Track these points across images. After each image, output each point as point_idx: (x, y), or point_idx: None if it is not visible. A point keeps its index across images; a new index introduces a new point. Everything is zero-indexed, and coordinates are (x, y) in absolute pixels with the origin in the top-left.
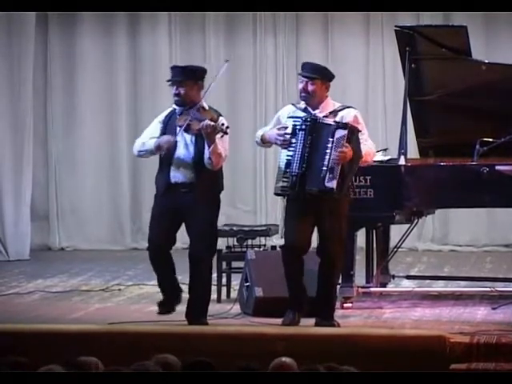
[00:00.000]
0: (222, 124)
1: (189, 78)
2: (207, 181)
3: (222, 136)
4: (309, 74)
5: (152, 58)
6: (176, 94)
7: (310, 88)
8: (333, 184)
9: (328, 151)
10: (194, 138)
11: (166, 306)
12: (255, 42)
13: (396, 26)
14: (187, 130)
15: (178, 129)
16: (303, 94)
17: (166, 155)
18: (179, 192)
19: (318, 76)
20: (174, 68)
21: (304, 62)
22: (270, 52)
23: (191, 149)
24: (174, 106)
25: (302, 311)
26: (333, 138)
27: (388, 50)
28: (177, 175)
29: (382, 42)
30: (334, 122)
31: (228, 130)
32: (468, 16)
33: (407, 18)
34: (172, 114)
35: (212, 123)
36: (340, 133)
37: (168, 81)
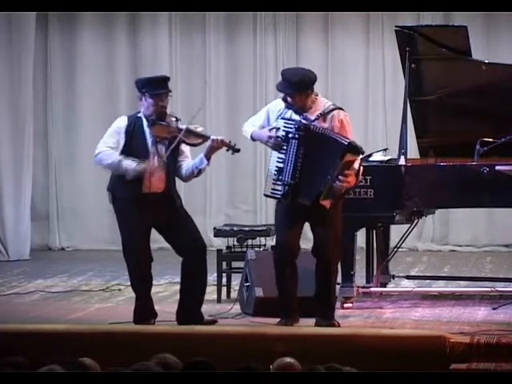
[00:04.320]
0: (230, 141)
1: (168, 88)
2: (175, 191)
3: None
4: (285, 89)
5: (152, 57)
6: (164, 106)
7: (290, 100)
8: (326, 203)
9: (332, 170)
10: (164, 149)
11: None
12: (255, 41)
13: (396, 26)
14: (178, 143)
15: (153, 139)
16: (285, 104)
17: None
18: (151, 202)
19: (293, 92)
20: (156, 80)
21: (283, 72)
22: (270, 52)
23: (164, 159)
24: (138, 115)
25: (294, 319)
26: (341, 159)
27: (388, 49)
28: (150, 185)
29: (382, 41)
30: (348, 141)
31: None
32: (468, 16)
33: (407, 18)
34: (135, 122)
35: (224, 139)
36: (350, 157)
37: (157, 93)
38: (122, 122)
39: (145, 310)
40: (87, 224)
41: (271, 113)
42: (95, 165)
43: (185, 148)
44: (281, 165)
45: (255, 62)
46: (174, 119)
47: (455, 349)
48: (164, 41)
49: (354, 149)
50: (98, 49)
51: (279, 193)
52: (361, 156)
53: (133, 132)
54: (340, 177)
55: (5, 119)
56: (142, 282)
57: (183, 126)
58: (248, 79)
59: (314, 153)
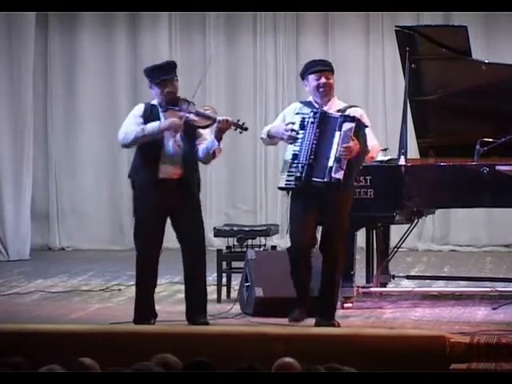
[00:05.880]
0: (238, 120)
1: (174, 73)
2: (193, 178)
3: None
4: (324, 67)
5: (152, 58)
6: (171, 92)
7: (330, 81)
8: (339, 175)
9: (335, 143)
10: (182, 134)
11: (145, 322)
12: (255, 41)
13: (396, 26)
14: (189, 125)
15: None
16: (323, 89)
17: (153, 150)
18: (167, 189)
19: (330, 68)
20: (156, 68)
21: (309, 62)
22: (269, 52)
23: (180, 145)
24: (153, 102)
25: (305, 309)
26: (340, 130)
27: (388, 49)
28: (166, 171)
29: (382, 41)
30: (341, 115)
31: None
32: (468, 16)
33: (407, 18)
34: (150, 109)
35: (231, 119)
36: (347, 126)
37: (159, 82)
38: (138, 109)
39: (146, 309)
40: (87, 224)
41: (287, 114)
42: (123, 147)
43: (203, 131)
44: (297, 152)
45: (255, 62)
46: (186, 103)
47: (455, 349)
48: (164, 41)
49: (348, 117)
50: (97, 50)
51: (293, 182)
52: (354, 124)
53: (149, 118)
54: (343, 145)
55: (5, 120)
56: (146, 272)
57: (193, 109)
58: (248, 80)
59: (323, 134)
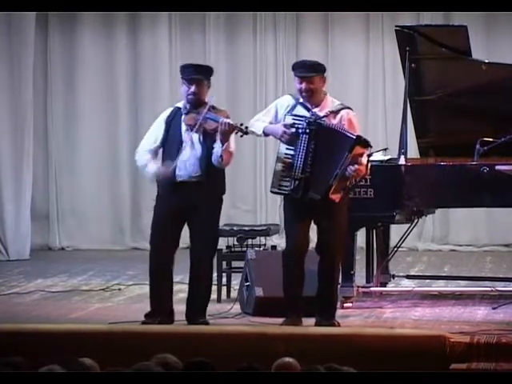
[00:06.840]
0: (241, 124)
1: (205, 76)
2: (212, 181)
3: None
4: (306, 73)
5: (152, 57)
6: (193, 93)
7: (311, 86)
8: (337, 197)
9: (341, 163)
10: (201, 137)
11: (153, 317)
12: (255, 41)
13: (396, 26)
14: (199, 129)
15: (185, 127)
16: (305, 94)
17: (171, 153)
18: (184, 191)
19: (315, 73)
20: (190, 66)
21: (296, 63)
22: (269, 52)
23: (198, 148)
24: (179, 105)
25: (299, 318)
26: (350, 152)
27: (388, 49)
28: (183, 174)
29: (382, 41)
30: (357, 136)
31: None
32: (468, 16)
33: (407, 18)
34: (175, 112)
35: (232, 122)
36: (359, 150)
37: (187, 79)
38: (165, 114)
39: (157, 306)
40: (87, 224)
41: (279, 108)
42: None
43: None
44: (289, 160)
45: (255, 61)
46: (206, 107)
47: (455, 349)
48: (164, 41)
49: (363, 142)
50: (97, 49)
51: (287, 188)
52: (368, 151)
53: (171, 122)
54: (350, 166)
55: (5, 119)
56: (157, 272)
57: (207, 114)
58: (248, 79)
59: (323, 147)
